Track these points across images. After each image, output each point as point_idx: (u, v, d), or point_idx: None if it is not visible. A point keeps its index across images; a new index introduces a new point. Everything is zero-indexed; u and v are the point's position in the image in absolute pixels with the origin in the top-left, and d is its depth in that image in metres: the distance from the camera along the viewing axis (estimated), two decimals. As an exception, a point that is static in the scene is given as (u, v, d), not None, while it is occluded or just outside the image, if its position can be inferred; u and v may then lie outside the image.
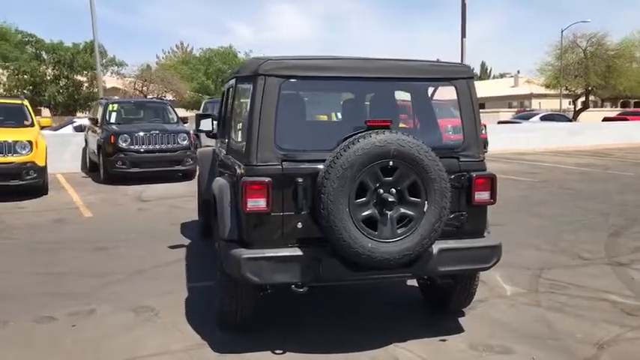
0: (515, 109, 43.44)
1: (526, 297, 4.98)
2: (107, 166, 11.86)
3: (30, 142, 9.89)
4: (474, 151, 3.97)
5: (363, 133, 3.53)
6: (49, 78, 36.48)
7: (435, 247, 3.78)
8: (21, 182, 9.78)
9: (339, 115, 4.06)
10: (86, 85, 37.02)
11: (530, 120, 25.91)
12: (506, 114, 34.76)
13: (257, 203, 3.61)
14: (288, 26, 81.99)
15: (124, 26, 79.23)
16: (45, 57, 36.05)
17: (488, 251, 3.94)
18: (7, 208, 9.18)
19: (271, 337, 4.08)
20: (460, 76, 3.98)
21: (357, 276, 3.70)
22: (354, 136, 3.54)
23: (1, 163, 9.56)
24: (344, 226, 3.48)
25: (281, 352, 3.87)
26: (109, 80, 38.90)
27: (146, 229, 7.67)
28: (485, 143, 16.17)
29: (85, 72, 36.36)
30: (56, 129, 22.08)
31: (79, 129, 18.65)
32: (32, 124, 10.97)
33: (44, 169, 10.18)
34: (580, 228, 7.67)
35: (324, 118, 4.05)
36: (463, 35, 20.13)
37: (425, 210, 3.59)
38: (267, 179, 3.60)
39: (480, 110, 4.09)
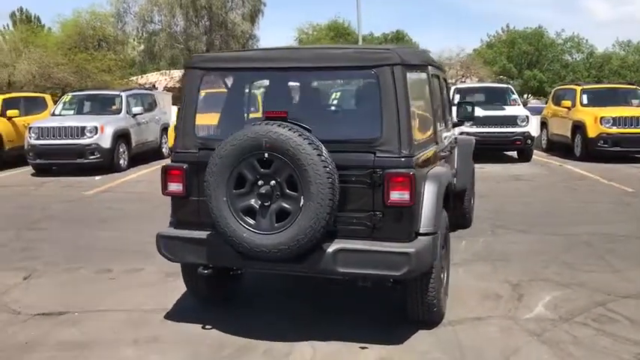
0: None
1: (540, 324, 4.14)
2: None
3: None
4: (393, 147, 3.56)
5: (246, 125, 3.55)
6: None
7: (332, 247, 3.58)
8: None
9: (259, 106, 4.05)
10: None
11: None
12: None
13: (175, 187, 3.94)
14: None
15: (461, 11, 79.40)
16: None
17: (398, 258, 3.51)
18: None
19: (218, 314, 4.36)
20: (382, 63, 3.58)
21: (250, 264, 3.77)
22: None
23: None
24: (221, 214, 3.58)
25: (210, 327, 4.14)
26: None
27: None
28: None
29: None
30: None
31: None
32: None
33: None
34: None
35: (249, 108, 4.09)
36: None
37: (301, 205, 3.44)
38: (184, 165, 3.90)
39: None
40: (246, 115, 3.92)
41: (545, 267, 5.47)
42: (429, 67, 4.42)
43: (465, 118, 6.10)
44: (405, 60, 3.68)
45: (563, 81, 33.38)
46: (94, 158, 11.70)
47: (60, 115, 13.01)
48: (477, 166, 12.24)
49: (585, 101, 13.84)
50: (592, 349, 3.76)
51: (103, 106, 13.25)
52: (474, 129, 12.93)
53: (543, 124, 15.86)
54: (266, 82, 4.32)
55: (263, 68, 3.88)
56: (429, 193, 3.79)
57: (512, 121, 13.02)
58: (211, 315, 4.33)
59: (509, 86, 15.44)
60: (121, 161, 12.31)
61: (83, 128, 11.73)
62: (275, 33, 55.92)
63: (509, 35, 41.59)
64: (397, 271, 3.53)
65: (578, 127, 13.32)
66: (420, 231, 3.69)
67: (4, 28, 40.94)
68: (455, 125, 6.03)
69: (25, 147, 11.98)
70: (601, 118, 12.74)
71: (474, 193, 7.29)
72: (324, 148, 3.44)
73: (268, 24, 72.43)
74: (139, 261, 5.78)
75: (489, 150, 13.42)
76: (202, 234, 3.86)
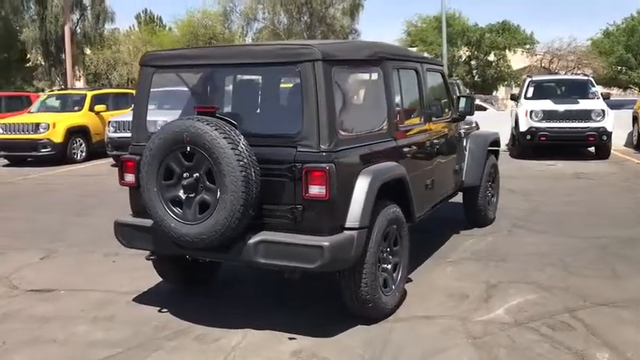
0: None
1: (487, 327, 3.99)
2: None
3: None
4: (312, 142, 3.60)
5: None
6: (462, 60, 38.94)
7: (254, 238, 3.69)
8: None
9: (198, 102, 4.19)
10: (493, 64, 38.04)
11: None
12: None
13: (129, 178, 4.23)
14: None
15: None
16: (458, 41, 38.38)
17: (312, 251, 3.56)
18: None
19: (181, 299, 4.61)
20: (304, 59, 3.62)
21: (185, 252, 3.96)
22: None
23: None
24: (153, 204, 3.81)
25: (165, 311, 4.39)
26: (520, 59, 38.90)
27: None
28: None
29: (493, 52, 37.48)
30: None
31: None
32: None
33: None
34: None
35: (189, 103, 4.27)
36: None
37: (218, 197, 3.58)
38: (137, 157, 4.17)
39: None
40: (187, 109, 4.14)
41: (540, 270, 5.19)
42: (388, 62, 4.37)
43: (464, 112, 5.88)
44: (330, 56, 3.69)
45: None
46: (163, 150, 12.43)
47: (140, 110, 13.94)
48: (547, 162, 11.78)
49: None
50: (523, 355, 3.58)
51: (180, 101, 13.98)
52: (545, 124, 12.27)
53: (635, 119, 14.69)
54: (204, 78, 4.47)
55: (200, 65, 4.07)
56: (360, 189, 3.78)
57: (586, 115, 12.14)
58: (174, 300, 4.60)
59: (589, 79, 14.38)
60: (190, 154, 12.97)
61: (154, 122, 12.46)
62: (381, 26, 55.82)
63: (629, 22, 38.44)
64: (311, 264, 3.58)
65: (665, 122, 12.23)
66: (346, 225, 3.71)
67: (130, 28, 44.20)
68: (454, 120, 5.85)
69: (105, 139, 12.99)
70: None
71: (497, 191, 7.00)
72: (242, 142, 3.56)
73: (373, 18, 72.40)
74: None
75: (563, 146, 12.70)
76: (149, 222, 4.10)
